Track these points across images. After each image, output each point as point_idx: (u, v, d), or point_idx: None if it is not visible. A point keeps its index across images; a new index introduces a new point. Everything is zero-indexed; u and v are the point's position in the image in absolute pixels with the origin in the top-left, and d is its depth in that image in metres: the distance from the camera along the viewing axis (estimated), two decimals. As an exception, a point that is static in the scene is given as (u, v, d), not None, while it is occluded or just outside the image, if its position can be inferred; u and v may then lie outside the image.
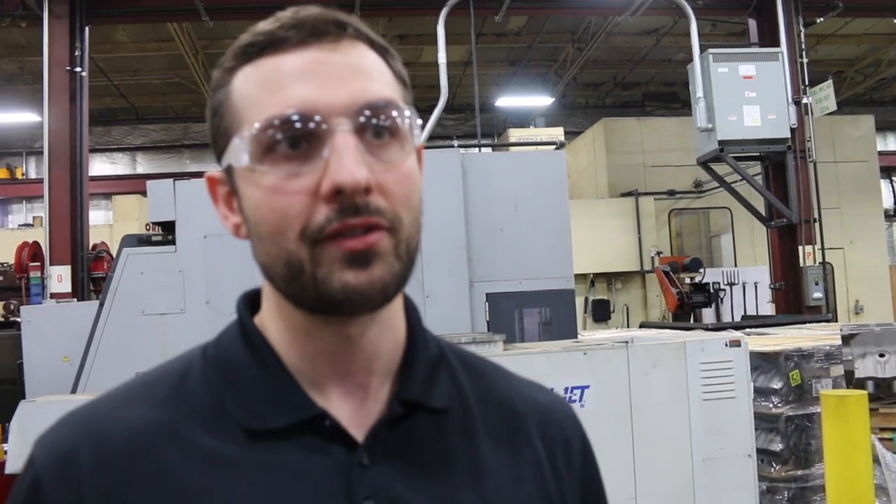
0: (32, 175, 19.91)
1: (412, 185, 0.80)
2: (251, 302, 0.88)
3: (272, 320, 0.85)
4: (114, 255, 6.18)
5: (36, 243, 10.43)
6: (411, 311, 0.91)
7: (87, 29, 9.87)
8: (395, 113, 0.79)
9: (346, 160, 0.74)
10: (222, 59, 0.83)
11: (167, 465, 0.78)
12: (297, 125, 0.75)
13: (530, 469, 0.90)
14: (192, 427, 0.80)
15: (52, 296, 8.72)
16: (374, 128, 0.77)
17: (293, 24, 0.78)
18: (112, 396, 0.86)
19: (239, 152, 0.78)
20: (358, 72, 0.78)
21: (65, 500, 0.77)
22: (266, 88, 0.78)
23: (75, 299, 8.54)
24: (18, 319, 7.36)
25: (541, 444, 0.92)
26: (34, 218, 18.36)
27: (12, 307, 10.85)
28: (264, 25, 0.80)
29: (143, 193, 6.04)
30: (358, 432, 0.81)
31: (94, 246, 10.26)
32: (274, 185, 0.76)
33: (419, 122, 0.83)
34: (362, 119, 0.77)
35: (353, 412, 0.83)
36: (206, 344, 0.88)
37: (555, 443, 0.94)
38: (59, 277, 9.02)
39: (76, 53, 9.52)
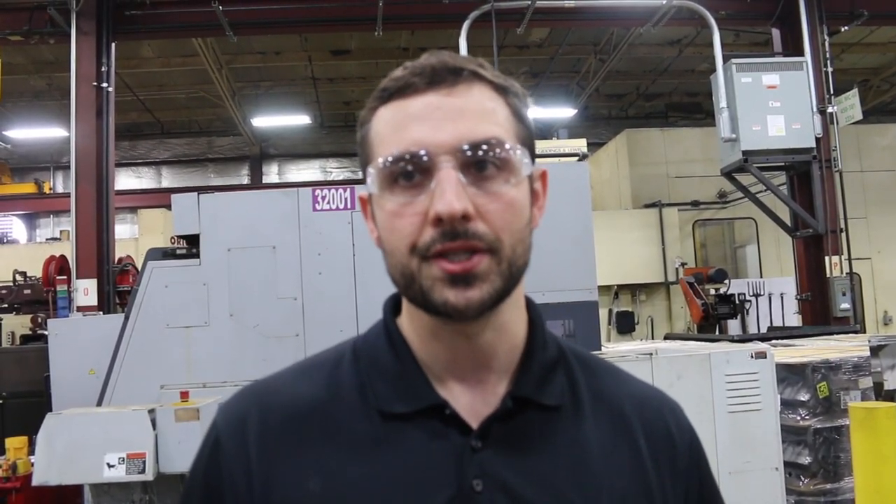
0: (60, 189, 20.14)
1: (515, 212, 0.92)
2: (394, 303, 1.03)
3: (408, 321, 0.99)
4: (139, 269, 6.23)
5: (63, 257, 10.55)
6: (534, 317, 1.03)
7: (113, 45, 9.98)
8: (497, 150, 0.90)
9: (447, 192, 0.87)
10: (368, 100, 0.97)
11: (315, 435, 0.95)
12: (411, 161, 0.90)
13: (631, 467, 0.99)
14: (339, 407, 0.97)
15: (79, 309, 8.79)
16: (477, 163, 0.90)
17: (417, 73, 0.92)
18: (282, 375, 1.04)
19: (371, 181, 0.93)
20: (466, 113, 0.91)
21: (237, 455, 0.96)
22: (392, 128, 0.92)
23: (101, 312, 8.60)
24: (45, 332, 7.43)
25: (645, 444, 1.01)
26: (61, 232, 18.58)
27: (39, 320, 10.95)
28: (396, 73, 0.95)
29: (168, 207, 6.10)
30: (474, 421, 0.94)
31: (120, 259, 10.35)
32: (393, 210, 0.91)
33: (526, 153, 0.94)
34: (466, 155, 0.89)
35: (472, 403, 0.96)
36: (356, 338, 1.05)
37: (659, 444, 1.02)
38: (86, 291, 9.10)
39: (103, 69, 9.64)
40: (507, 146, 0.91)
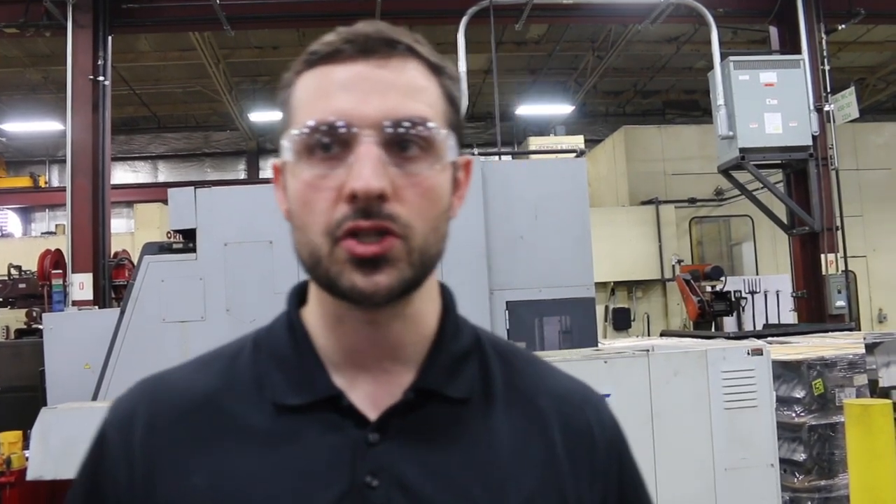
0: (55, 183, 20.13)
1: (434, 198, 0.87)
2: (299, 294, 0.98)
3: (313, 310, 0.95)
4: (135, 263, 6.22)
5: (58, 251, 10.52)
6: (448, 305, 0.98)
7: (109, 38, 9.95)
8: (422, 130, 0.85)
9: (365, 169, 0.82)
10: (293, 63, 0.92)
11: (205, 429, 0.90)
12: (330, 132, 0.84)
13: (543, 463, 0.93)
14: (233, 399, 0.92)
15: (74, 303, 8.77)
16: (401, 141, 0.84)
17: (348, 39, 0.87)
18: (181, 367, 1.00)
19: (287, 148, 0.88)
20: (396, 88, 0.86)
21: (121, 452, 0.91)
22: (315, 95, 0.87)
23: (97, 307, 8.59)
24: (40, 327, 7.43)
25: (561, 441, 0.95)
26: (57, 226, 18.53)
27: (34, 314, 10.94)
28: (328, 37, 0.88)
29: (165, 202, 6.08)
30: (376, 414, 0.89)
31: (116, 254, 10.33)
32: (308, 181, 0.85)
33: (454, 138, 0.89)
34: (389, 132, 0.84)
35: (375, 395, 0.91)
36: (259, 328, 0.99)
37: (577, 440, 0.97)
38: (81, 285, 9.08)
39: (99, 63, 9.60)
40: (434, 128, 0.86)
